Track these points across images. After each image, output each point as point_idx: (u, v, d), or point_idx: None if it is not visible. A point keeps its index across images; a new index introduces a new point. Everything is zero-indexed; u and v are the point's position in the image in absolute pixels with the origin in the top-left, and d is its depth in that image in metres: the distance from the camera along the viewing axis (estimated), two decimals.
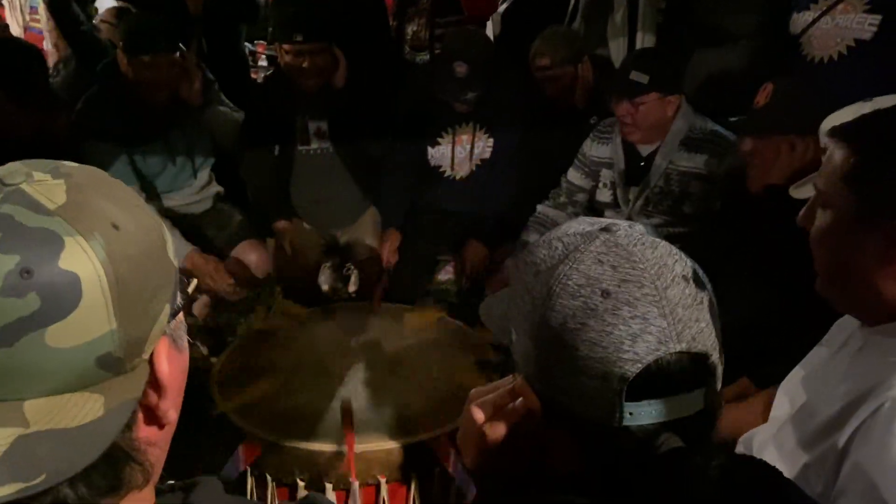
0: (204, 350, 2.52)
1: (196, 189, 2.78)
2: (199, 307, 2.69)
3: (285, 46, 2.61)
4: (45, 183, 0.54)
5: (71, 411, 0.52)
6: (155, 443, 0.61)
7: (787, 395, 1.22)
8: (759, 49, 2.63)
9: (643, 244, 0.74)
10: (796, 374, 1.24)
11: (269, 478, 1.65)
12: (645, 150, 2.46)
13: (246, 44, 5.13)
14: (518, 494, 0.80)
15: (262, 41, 5.11)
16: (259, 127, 2.73)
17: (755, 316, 1.97)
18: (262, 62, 4.99)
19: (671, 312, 0.69)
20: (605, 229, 0.76)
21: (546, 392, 0.75)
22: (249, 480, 1.68)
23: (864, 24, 2.00)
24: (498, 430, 0.82)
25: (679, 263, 0.73)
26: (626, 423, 0.70)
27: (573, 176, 2.67)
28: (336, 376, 1.88)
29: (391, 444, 1.63)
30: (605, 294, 0.70)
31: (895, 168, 0.94)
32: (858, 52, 2.01)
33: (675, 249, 0.75)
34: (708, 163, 2.34)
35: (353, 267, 3.06)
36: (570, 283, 0.72)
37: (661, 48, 2.84)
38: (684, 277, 0.72)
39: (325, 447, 1.62)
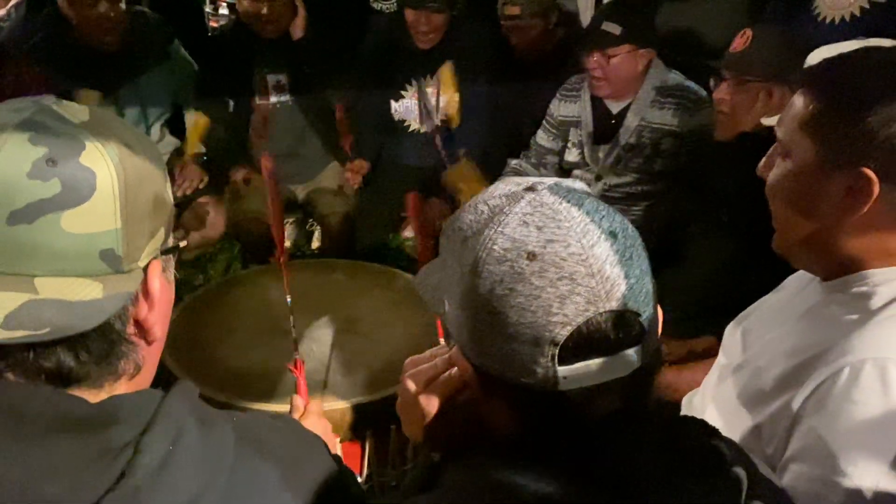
0: None
1: None
2: None
3: None
4: (72, 106, 0.65)
5: (74, 289, 0.61)
6: (141, 348, 0.68)
7: (735, 341, 1.20)
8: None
9: (569, 201, 0.71)
10: (746, 319, 1.23)
11: None
12: (615, 107, 2.43)
13: None
14: (458, 461, 0.79)
15: None
16: (216, 80, 2.66)
17: (722, 273, 1.97)
18: (223, 10, 4.83)
19: (599, 271, 0.67)
20: (531, 188, 0.73)
21: (480, 361, 0.73)
22: None
23: None
24: (433, 401, 0.83)
25: (606, 219, 0.70)
26: (561, 387, 0.68)
27: (542, 138, 2.64)
28: (291, 335, 1.85)
29: (344, 404, 1.61)
30: (532, 256, 0.68)
31: (855, 115, 0.91)
32: (872, 13, 1.95)
33: (602, 205, 0.72)
34: (679, 117, 2.32)
35: (315, 223, 3.02)
36: (496, 247, 0.69)
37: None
38: (612, 233, 0.69)
39: (279, 407, 1.59)
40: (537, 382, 0.69)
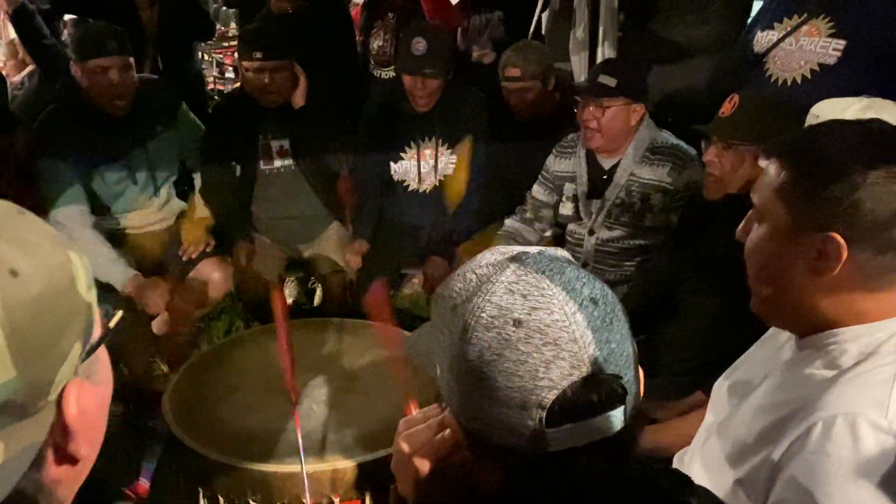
0: (164, 368, 2.50)
1: (157, 207, 2.75)
2: (158, 324, 2.67)
3: (245, 63, 2.62)
4: None
5: None
6: (65, 481, 0.60)
7: (721, 398, 1.24)
8: (716, 64, 2.68)
9: (551, 270, 0.75)
10: (732, 375, 1.26)
11: (221, 500, 1.64)
12: (607, 162, 2.49)
13: (214, 54, 5.13)
14: None
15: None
16: (220, 145, 2.73)
17: (711, 328, 2.00)
18: (230, 73, 4.98)
19: (581, 336, 0.71)
20: (515, 258, 0.77)
21: (470, 424, 0.77)
22: (202, 501, 1.67)
23: (829, 49, 1.98)
24: (426, 462, 0.85)
25: (587, 286, 0.74)
26: (548, 449, 0.71)
27: (537, 192, 2.70)
28: (291, 395, 1.88)
29: (345, 463, 1.63)
30: (518, 323, 0.71)
31: (822, 184, 0.96)
32: (822, 76, 1.99)
33: (582, 273, 0.77)
34: (669, 175, 2.38)
35: (317, 281, 3.07)
36: (483, 315, 0.73)
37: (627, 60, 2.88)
38: (592, 300, 0.73)
39: (278, 468, 1.62)
40: (525, 445, 0.72)
